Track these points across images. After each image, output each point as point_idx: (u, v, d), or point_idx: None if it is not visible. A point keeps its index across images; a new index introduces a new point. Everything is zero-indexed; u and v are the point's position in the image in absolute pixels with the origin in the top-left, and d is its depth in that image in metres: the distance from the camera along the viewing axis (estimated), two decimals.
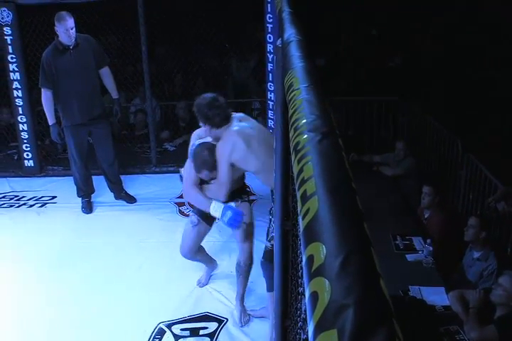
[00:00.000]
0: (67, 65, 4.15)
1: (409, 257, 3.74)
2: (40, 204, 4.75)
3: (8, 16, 4.81)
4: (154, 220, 4.40)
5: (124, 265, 3.82)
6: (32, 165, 5.26)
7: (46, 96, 4.20)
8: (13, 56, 4.94)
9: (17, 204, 4.77)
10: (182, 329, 3.20)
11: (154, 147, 5.31)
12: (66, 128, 4.32)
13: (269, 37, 4.91)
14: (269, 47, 4.92)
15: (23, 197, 4.89)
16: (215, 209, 2.90)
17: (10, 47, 4.91)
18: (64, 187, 4.89)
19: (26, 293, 3.53)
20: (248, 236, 3.14)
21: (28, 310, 3.36)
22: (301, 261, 1.19)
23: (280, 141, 1.65)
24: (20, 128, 5.15)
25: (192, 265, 3.64)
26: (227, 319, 3.25)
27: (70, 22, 4.03)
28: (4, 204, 4.76)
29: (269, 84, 5.03)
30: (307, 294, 0.56)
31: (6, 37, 4.88)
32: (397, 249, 3.85)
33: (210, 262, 3.60)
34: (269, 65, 4.99)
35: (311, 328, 0.52)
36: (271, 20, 4.81)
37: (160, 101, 5.90)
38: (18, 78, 5.00)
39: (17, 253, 3.96)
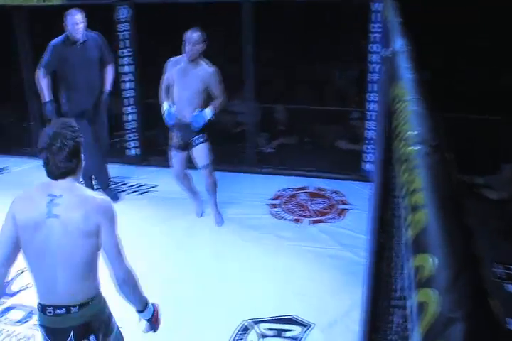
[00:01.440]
0: (74, 58, 4.42)
1: (510, 287, 3.52)
2: (142, 191, 5.04)
3: (127, 13, 5.18)
4: (246, 220, 4.49)
5: (220, 257, 3.94)
6: (135, 153, 5.58)
7: (41, 77, 4.45)
8: (129, 50, 5.29)
9: (122, 189, 5.10)
10: (266, 329, 3.21)
11: (252, 147, 5.43)
12: (67, 115, 4.39)
13: (374, 46, 4.83)
14: (373, 57, 4.84)
15: (127, 183, 5.21)
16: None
17: (127, 41, 5.27)
18: (165, 177, 5.12)
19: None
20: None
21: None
22: (397, 273, 1.18)
23: (382, 150, 1.63)
24: (128, 119, 5.48)
25: (280, 267, 3.69)
26: (313, 324, 3.23)
27: (78, 17, 4.31)
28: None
29: (371, 94, 4.93)
30: (413, 304, 0.56)
31: (122, 32, 5.25)
32: (495, 278, 3.64)
33: (192, 192, 4.48)
34: (372, 75, 4.90)
35: (416, 338, 0.52)
36: (376, 29, 4.73)
37: (259, 103, 6.00)
38: (132, 71, 5.36)
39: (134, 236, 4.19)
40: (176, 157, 4.25)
